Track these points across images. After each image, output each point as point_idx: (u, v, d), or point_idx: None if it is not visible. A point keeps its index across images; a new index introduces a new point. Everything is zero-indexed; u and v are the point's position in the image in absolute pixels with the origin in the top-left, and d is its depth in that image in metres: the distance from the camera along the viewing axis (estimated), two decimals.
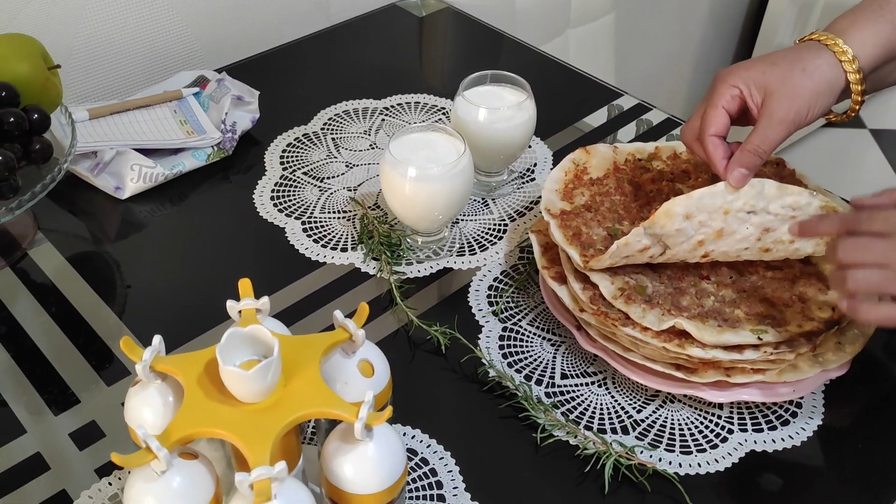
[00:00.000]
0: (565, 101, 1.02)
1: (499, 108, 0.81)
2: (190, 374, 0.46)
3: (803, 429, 0.65)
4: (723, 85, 0.65)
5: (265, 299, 0.51)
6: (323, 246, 0.80)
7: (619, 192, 0.77)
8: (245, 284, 0.51)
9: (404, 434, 0.64)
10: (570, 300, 0.68)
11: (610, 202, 0.75)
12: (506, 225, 0.84)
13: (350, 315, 0.53)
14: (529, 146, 0.94)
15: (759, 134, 0.63)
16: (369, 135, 0.95)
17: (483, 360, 0.69)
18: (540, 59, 1.10)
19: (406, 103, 1.00)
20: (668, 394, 0.67)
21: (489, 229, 0.83)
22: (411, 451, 0.63)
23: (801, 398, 0.66)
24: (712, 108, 0.65)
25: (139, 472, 0.44)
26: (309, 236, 0.81)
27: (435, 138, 0.77)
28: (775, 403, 0.66)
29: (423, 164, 0.74)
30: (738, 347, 0.63)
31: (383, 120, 0.97)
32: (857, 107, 0.66)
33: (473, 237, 0.82)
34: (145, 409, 0.47)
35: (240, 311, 0.50)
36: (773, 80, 0.63)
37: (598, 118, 1.00)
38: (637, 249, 0.65)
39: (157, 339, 0.48)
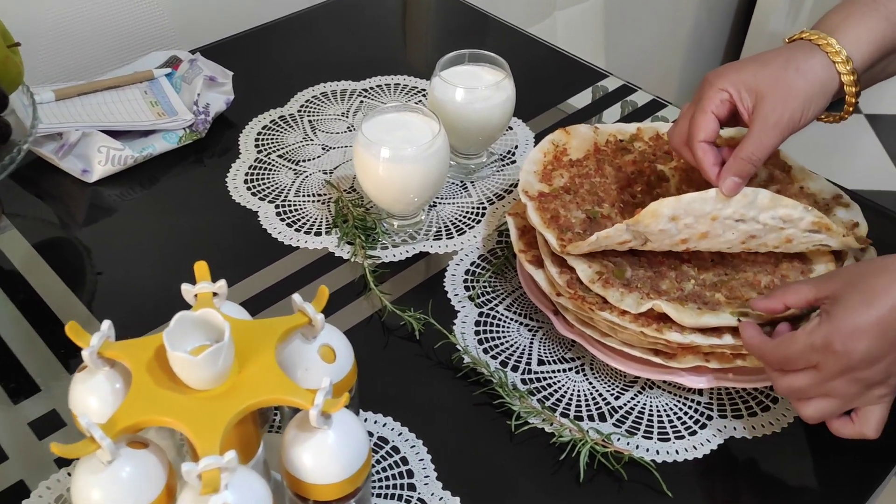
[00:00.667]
0: (549, 82, 1.00)
1: (476, 87, 0.79)
2: (139, 360, 0.44)
3: (784, 415, 0.63)
4: (711, 89, 0.62)
5: (222, 282, 0.49)
6: (297, 230, 0.78)
7: (599, 173, 0.75)
8: (201, 267, 0.49)
9: (375, 422, 0.62)
10: (547, 284, 0.66)
11: (590, 184, 0.73)
12: (484, 208, 0.82)
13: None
14: (510, 128, 0.92)
15: (753, 140, 0.60)
16: (347, 117, 0.93)
17: (458, 347, 0.67)
18: (526, 40, 1.08)
19: (385, 85, 0.98)
20: (647, 380, 0.65)
21: (467, 213, 0.81)
22: (382, 440, 0.61)
23: None
24: (701, 112, 0.62)
25: (85, 462, 0.42)
26: (282, 220, 0.79)
27: (410, 119, 0.75)
28: (756, 389, 0.65)
29: (398, 144, 0.72)
30: (718, 331, 0.61)
31: (362, 102, 0.95)
32: (851, 108, 0.64)
33: (451, 221, 0.80)
34: (91, 397, 0.45)
35: (195, 295, 0.48)
36: (765, 82, 0.60)
37: (582, 100, 0.98)
38: (617, 242, 0.63)
39: (107, 324, 0.46)
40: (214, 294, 0.49)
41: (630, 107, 0.97)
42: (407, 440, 0.61)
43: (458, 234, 0.79)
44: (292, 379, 0.49)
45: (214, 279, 0.48)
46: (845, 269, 0.56)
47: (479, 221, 0.80)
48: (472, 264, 0.76)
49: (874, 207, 0.79)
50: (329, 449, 0.45)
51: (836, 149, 2.20)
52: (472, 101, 0.79)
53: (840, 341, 0.51)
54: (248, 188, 0.83)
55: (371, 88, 0.97)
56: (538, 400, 0.64)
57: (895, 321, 0.51)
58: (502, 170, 0.86)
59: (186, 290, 0.48)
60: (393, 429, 0.62)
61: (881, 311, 0.51)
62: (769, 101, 0.60)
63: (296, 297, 0.49)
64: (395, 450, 0.60)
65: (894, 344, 0.51)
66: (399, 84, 0.98)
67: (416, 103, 0.92)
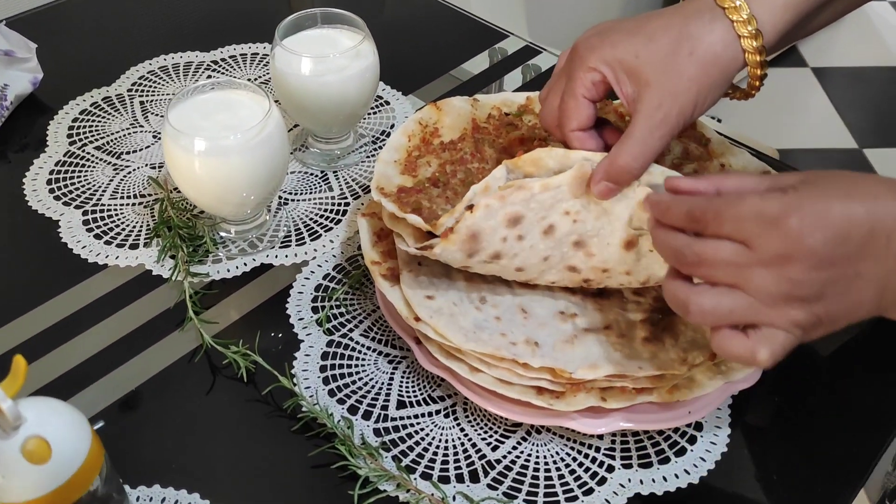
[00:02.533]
0: (440, 46, 0.85)
1: (327, 55, 0.63)
2: None
3: (703, 459, 0.50)
4: (581, 67, 0.48)
5: None
6: (107, 243, 0.63)
7: (477, 158, 0.60)
8: None
9: (176, 502, 0.48)
10: (404, 306, 0.52)
11: (464, 172, 0.59)
12: (348, 204, 0.67)
13: None
14: (386, 102, 0.76)
15: (634, 142, 0.46)
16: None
17: (294, 391, 0.52)
18: (426, 2, 0.92)
19: (241, 55, 0.82)
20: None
21: (327, 211, 0.66)
22: None
23: (703, 419, 0.52)
24: (570, 97, 0.49)
25: None
26: (89, 230, 0.63)
27: (236, 98, 0.60)
28: (670, 428, 0.52)
29: (216, 132, 0.56)
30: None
31: (209, 77, 0.79)
32: (759, 84, 0.50)
33: (305, 222, 0.65)
34: None
35: None
36: (650, 66, 0.46)
37: (479, 65, 0.83)
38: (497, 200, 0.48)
39: None
40: None
41: (532, 71, 0.82)
42: None
43: (312, 240, 0.64)
44: None
45: None
46: (812, 171, 0.43)
47: (339, 222, 0.65)
48: (325, 277, 0.61)
49: None
50: None
51: (782, 105, 2.09)
52: (323, 72, 0.63)
53: (799, 218, 0.39)
54: (51, 190, 0.67)
55: (221, 60, 0.81)
56: (394, 457, 0.50)
57: (863, 227, 0.38)
58: (374, 155, 0.71)
59: None
60: None
61: (857, 210, 0.39)
62: (654, 92, 0.46)
63: None
64: None
65: (849, 257, 0.39)
66: (256, 54, 0.82)
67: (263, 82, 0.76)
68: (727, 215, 0.40)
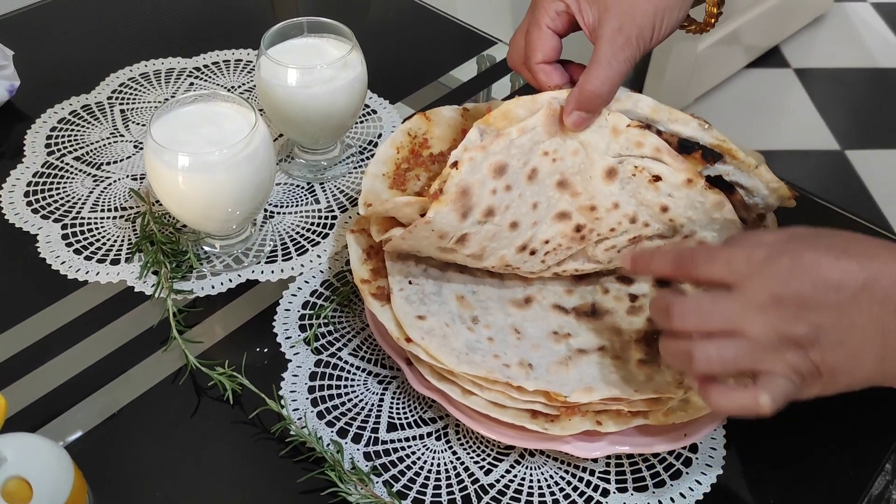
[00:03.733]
0: (430, 53, 0.84)
1: (314, 66, 0.62)
2: None
3: (699, 482, 0.50)
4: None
5: None
6: (86, 258, 0.61)
7: None
8: None
9: None
10: (395, 326, 0.51)
11: None
12: (335, 217, 0.65)
13: None
14: (373, 111, 0.75)
15: (600, 67, 0.48)
16: None
17: (282, 414, 0.51)
18: (412, 7, 0.91)
19: (224, 62, 0.80)
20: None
21: (313, 224, 0.65)
22: None
23: (700, 442, 0.51)
24: (535, 28, 0.51)
25: None
26: (69, 245, 0.62)
27: (221, 111, 0.58)
28: (667, 451, 0.51)
29: (200, 147, 0.55)
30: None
31: (192, 84, 0.77)
32: (714, 18, 0.52)
33: (291, 236, 0.64)
34: None
35: None
36: None
37: (467, 72, 0.82)
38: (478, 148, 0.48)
39: None
40: None
41: (521, 79, 0.81)
42: None
43: (299, 254, 0.62)
44: None
45: None
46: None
47: (326, 236, 0.64)
48: (312, 294, 0.60)
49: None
50: None
51: (764, 106, 2.10)
52: (310, 83, 0.62)
53: (789, 260, 0.39)
54: (29, 203, 0.65)
55: (204, 67, 0.79)
56: (385, 482, 0.49)
57: (856, 280, 0.39)
58: (361, 166, 0.70)
59: None
60: None
61: (849, 265, 0.39)
62: (614, 14, 0.48)
63: None
64: None
65: (841, 305, 0.39)
66: (240, 60, 0.80)
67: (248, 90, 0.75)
68: (718, 258, 0.41)
